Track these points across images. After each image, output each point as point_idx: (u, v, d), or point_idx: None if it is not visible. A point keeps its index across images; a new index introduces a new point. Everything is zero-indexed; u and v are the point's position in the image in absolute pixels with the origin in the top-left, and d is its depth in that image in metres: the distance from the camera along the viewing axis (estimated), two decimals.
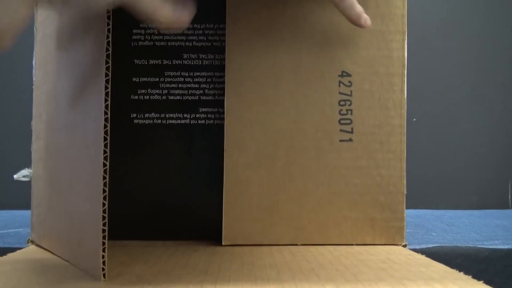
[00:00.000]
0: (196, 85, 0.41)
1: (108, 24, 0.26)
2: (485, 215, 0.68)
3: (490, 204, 0.76)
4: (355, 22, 0.35)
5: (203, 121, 0.41)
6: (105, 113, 0.26)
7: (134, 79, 0.41)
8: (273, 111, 0.39)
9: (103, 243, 0.26)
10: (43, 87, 0.38)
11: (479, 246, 0.45)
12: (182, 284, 0.27)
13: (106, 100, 0.26)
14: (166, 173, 0.41)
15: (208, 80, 0.41)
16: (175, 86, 0.41)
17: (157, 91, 0.41)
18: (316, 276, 0.29)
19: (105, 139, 0.27)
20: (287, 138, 0.39)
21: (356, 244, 0.39)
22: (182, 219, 0.41)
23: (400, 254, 0.36)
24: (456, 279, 0.28)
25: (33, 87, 0.40)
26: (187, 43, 0.41)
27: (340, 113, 0.39)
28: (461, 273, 0.30)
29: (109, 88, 0.27)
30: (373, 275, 0.29)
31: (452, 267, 0.31)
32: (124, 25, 0.41)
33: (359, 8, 0.34)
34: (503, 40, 0.78)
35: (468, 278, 0.28)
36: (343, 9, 0.34)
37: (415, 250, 0.39)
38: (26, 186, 0.41)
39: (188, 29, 0.41)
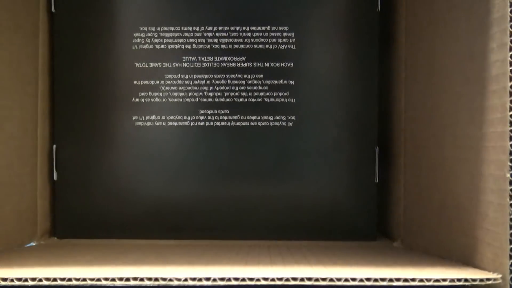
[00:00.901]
0: (196, 88, 0.42)
1: None
2: None
3: None
4: None
5: (202, 123, 0.42)
6: None
7: (135, 82, 0.42)
8: None
9: None
10: None
11: None
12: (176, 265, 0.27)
13: None
14: (167, 174, 0.42)
15: (207, 82, 0.42)
16: (175, 88, 0.42)
17: (158, 93, 0.42)
18: (307, 261, 0.29)
19: None
20: None
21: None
22: (184, 219, 0.42)
23: (396, 249, 0.36)
24: (446, 264, 0.28)
25: None
26: (186, 46, 0.42)
27: None
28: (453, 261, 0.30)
29: None
30: (362, 260, 0.30)
31: None
32: (124, 29, 0.42)
33: None
34: None
35: (458, 264, 0.29)
36: None
37: None
38: None
39: (188, 32, 0.42)
